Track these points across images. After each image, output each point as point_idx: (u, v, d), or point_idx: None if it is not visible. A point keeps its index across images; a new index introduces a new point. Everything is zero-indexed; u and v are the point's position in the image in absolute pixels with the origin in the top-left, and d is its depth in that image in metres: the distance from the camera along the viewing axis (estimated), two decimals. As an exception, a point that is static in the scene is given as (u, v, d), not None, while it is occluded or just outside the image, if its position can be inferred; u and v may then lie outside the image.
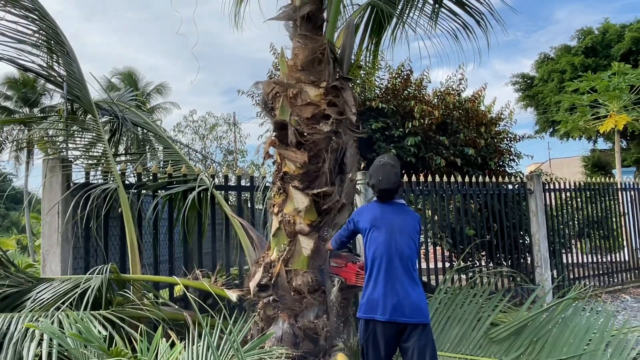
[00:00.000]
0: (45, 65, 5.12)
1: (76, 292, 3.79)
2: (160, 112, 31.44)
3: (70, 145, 5.47)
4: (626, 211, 10.42)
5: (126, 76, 31.44)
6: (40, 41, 5.09)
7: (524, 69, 29.69)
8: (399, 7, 5.16)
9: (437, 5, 5.24)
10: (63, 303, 3.68)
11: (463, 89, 9.89)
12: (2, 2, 4.78)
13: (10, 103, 30.30)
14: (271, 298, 3.83)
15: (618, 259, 10.13)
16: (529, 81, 29.01)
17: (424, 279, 7.47)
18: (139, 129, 6.57)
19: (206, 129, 27.35)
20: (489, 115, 9.69)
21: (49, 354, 2.90)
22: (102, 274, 3.98)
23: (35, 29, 5.05)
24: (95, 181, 5.08)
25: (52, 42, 5.17)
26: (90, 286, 3.84)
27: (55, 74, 5.12)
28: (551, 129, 26.92)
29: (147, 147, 7.24)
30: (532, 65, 29.17)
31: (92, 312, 3.51)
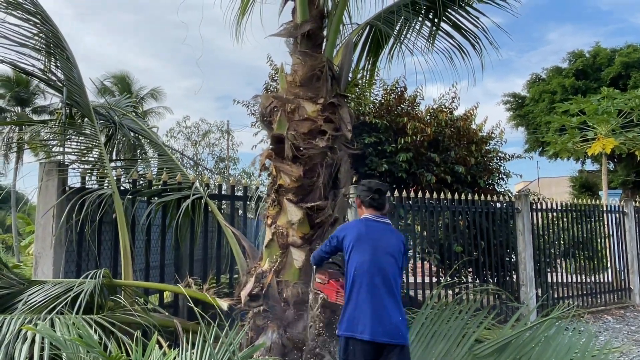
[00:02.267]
0: (45, 69, 5.15)
1: (69, 296, 3.81)
2: (153, 116, 31.46)
3: (66, 149, 5.50)
4: (611, 233, 10.59)
5: (119, 79, 31.39)
6: (41, 45, 5.12)
7: (516, 89, 30.13)
8: (397, 27, 5.28)
9: (434, 28, 5.37)
10: (55, 306, 3.71)
11: (455, 107, 10.03)
12: (4, 4, 4.81)
13: (2, 102, 30.11)
14: (261, 308, 3.89)
15: (602, 280, 10.27)
16: (520, 101, 29.38)
17: (412, 293, 7.55)
18: (132, 133, 6.59)
19: (199, 135, 27.36)
20: (480, 134, 9.84)
21: (41, 357, 2.94)
22: (95, 278, 4.02)
23: (36, 32, 5.07)
24: (91, 186, 5.11)
25: (52, 46, 5.20)
26: (82, 290, 3.87)
27: (55, 79, 5.15)
28: (540, 149, 27.20)
29: (140, 153, 7.28)
30: (523, 85, 29.62)
31: (84, 316, 3.54)
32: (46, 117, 26.59)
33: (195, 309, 3.85)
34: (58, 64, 5.21)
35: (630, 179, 25.05)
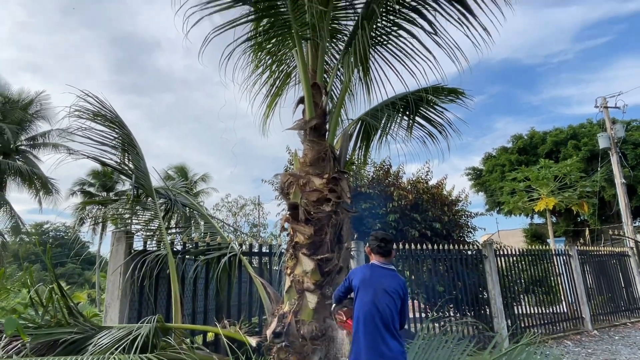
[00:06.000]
0: (119, 161, 5.19)
1: (129, 338, 3.58)
2: (203, 195, 31.68)
3: (133, 221, 5.43)
4: (561, 272, 10.09)
5: (179, 169, 31.99)
6: (117, 144, 5.20)
7: (474, 164, 29.95)
8: (382, 122, 5.30)
9: (410, 121, 5.39)
10: (118, 347, 3.47)
11: (430, 178, 9.96)
12: (92, 115, 4.93)
13: (93, 189, 30.71)
14: (284, 344, 3.61)
15: (558, 311, 9.67)
16: (478, 172, 29.31)
17: (405, 327, 7.10)
18: (187, 208, 6.54)
19: (237, 207, 27.41)
20: (450, 198, 9.68)
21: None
22: (150, 323, 3.79)
23: (115, 135, 5.17)
24: (151, 248, 4.98)
25: (127, 144, 5.27)
26: (140, 333, 3.64)
27: (127, 168, 5.18)
28: (497, 208, 26.79)
29: (192, 222, 7.18)
30: (480, 161, 29.65)
31: (140, 355, 3.29)
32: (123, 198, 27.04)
33: (231, 345, 3.59)
34: (129, 158, 5.25)
35: (570, 228, 24.39)
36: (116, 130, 5.19)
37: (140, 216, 5.48)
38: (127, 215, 5.73)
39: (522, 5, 3.94)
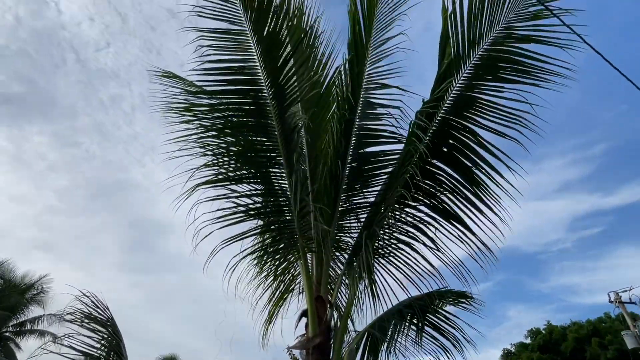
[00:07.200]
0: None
1: None
2: (191, 394, 27.92)
3: None
4: None
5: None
6: (102, 354, 4.74)
7: (493, 359, 27.24)
8: (389, 332, 4.95)
9: (419, 332, 5.04)
10: None
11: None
12: (80, 319, 4.64)
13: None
14: None
15: None
16: (500, 374, 26.40)
17: None
18: None
19: (227, 412, 23.77)
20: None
21: None
22: None
23: (102, 337, 4.76)
24: None
25: (112, 353, 4.81)
26: None
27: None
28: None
29: None
30: (499, 358, 27.02)
31: None
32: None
33: None
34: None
35: None
36: (105, 336, 4.82)
37: None
38: None
39: (510, 200, 4.14)
